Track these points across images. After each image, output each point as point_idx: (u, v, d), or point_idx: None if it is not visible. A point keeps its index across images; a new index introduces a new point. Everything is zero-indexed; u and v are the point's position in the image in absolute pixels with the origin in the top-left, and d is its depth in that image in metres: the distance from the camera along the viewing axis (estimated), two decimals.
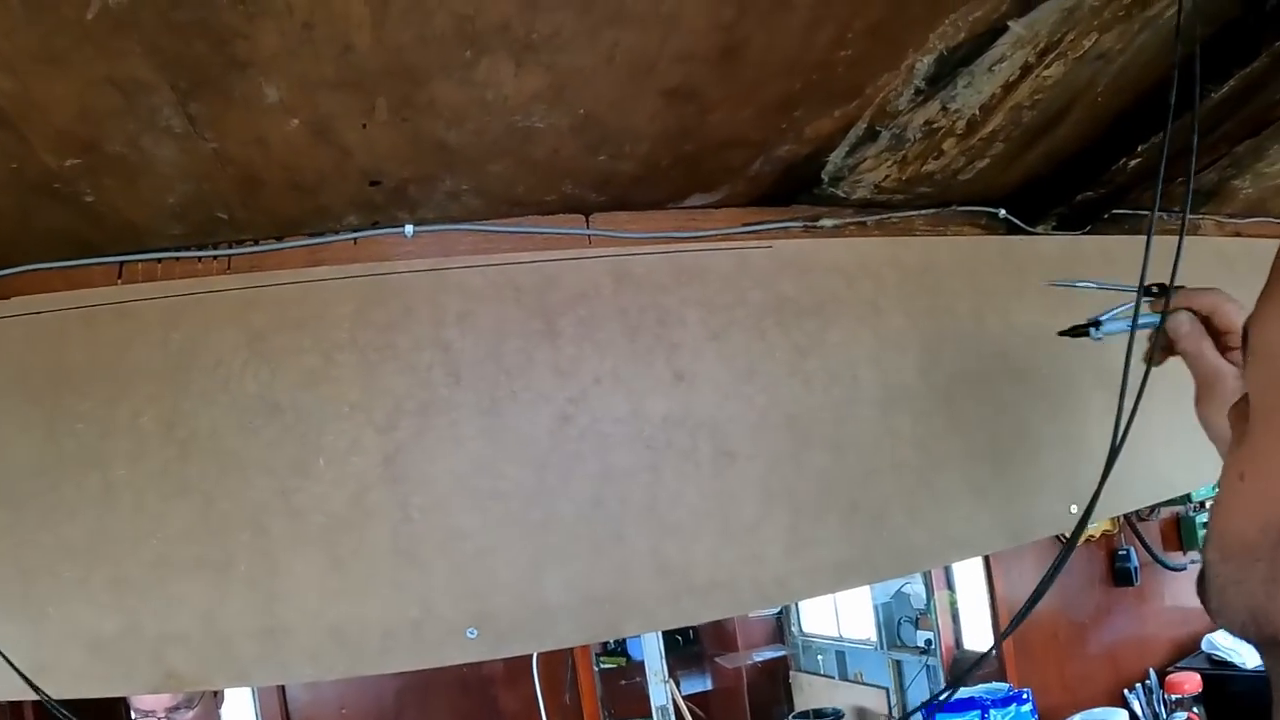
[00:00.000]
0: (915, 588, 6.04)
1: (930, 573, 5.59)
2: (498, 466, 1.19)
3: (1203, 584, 0.58)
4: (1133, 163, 1.48)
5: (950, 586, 5.56)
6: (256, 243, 1.19)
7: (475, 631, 1.15)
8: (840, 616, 7.22)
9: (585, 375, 1.25)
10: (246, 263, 1.19)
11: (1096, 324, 1.24)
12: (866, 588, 6.93)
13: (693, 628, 7.88)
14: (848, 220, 1.44)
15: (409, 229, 1.23)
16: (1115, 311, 1.23)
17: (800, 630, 7.78)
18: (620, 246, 1.31)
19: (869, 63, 1.10)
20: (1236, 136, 1.57)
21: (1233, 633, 0.60)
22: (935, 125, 1.27)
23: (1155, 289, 1.15)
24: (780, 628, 7.98)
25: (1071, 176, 1.56)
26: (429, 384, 1.19)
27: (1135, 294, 1.14)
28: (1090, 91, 1.32)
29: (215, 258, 1.18)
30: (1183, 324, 1.11)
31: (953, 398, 1.46)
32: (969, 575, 5.15)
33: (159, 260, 1.17)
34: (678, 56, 0.98)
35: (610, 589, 1.20)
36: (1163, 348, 1.14)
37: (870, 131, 1.25)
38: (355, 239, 1.22)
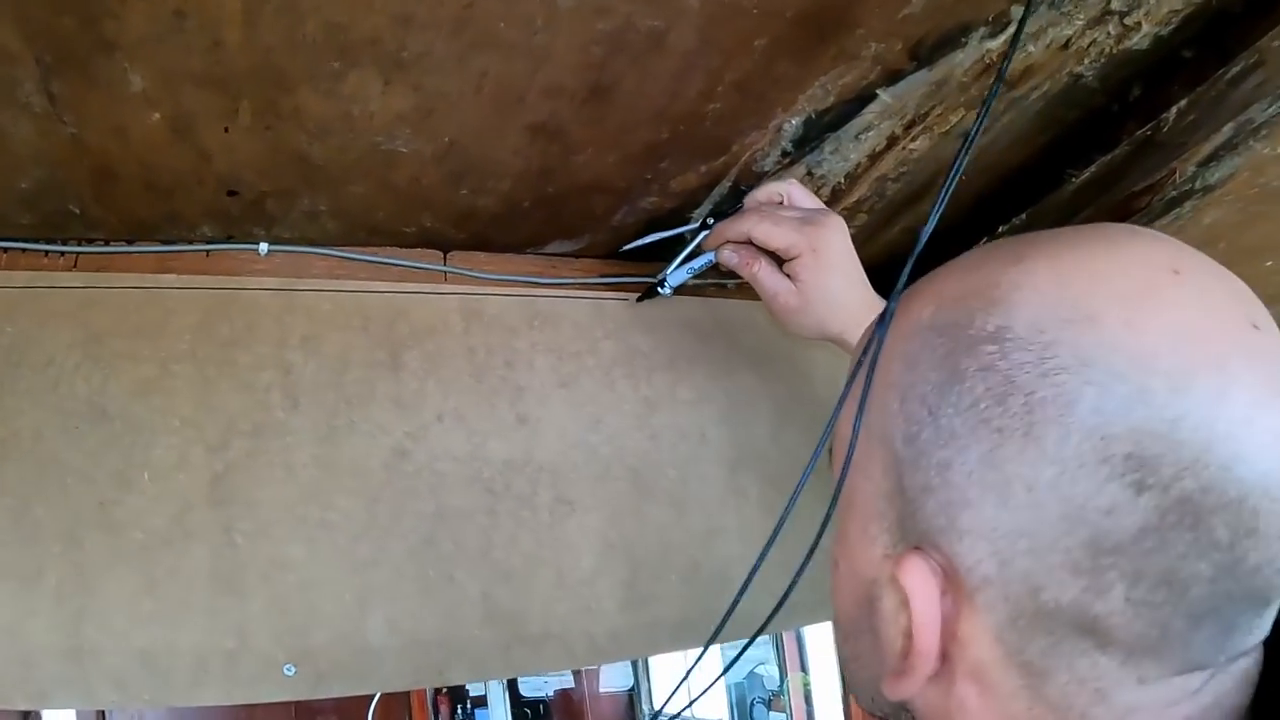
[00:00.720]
0: (769, 668, 6.07)
1: (784, 654, 5.63)
2: (329, 497, 1.18)
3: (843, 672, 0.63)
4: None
5: (804, 668, 5.60)
6: (107, 243, 1.18)
7: (293, 668, 1.12)
8: (693, 695, 7.20)
9: (427, 411, 1.25)
10: (94, 263, 1.17)
11: (663, 282, 1.33)
12: (718, 665, 6.93)
13: (543, 703, 7.80)
14: (708, 281, 1.46)
15: (264, 247, 1.22)
16: (676, 262, 1.31)
17: (652, 707, 7.74)
18: (476, 285, 1.32)
19: (737, 118, 1.14)
20: None
21: (869, 709, 0.68)
22: None
23: (710, 221, 1.26)
24: (631, 705, 7.94)
25: (933, 254, 1.59)
26: (266, 405, 1.18)
27: (695, 236, 1.28)
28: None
29: (63, 254, 1.16)
30: (728, 256, 1.22)
31: (804, 462, 1.47)
32: (822, 657, 5.19)
33: (4, 250, 1.15)
34: (547, 90, 1.01)
35: (438, 633, 1.20)
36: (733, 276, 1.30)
37: (735, 190, 1.29)
38: (208, 251, 1.21)
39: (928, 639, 0.56)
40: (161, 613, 1.09)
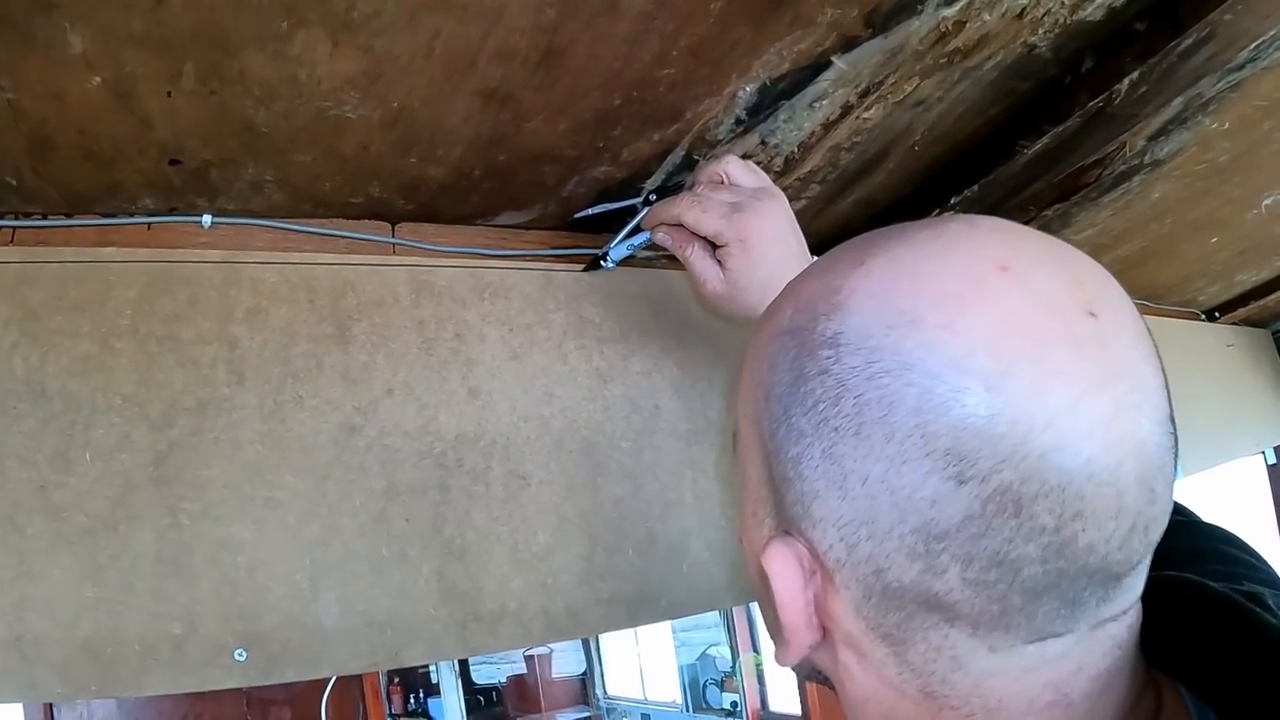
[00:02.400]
0: (720, 650, 6.10)
1: (736, 635, 5.65)
2: (276, 474, 1.15)
3: None
4: (945, 215, 1.52)
5: (756, 649, 5.64)
6: (45, 217, 1.14)
7: (244, 653, 1.10)
8: (645, 678, 7.24)
9: (376, 385, 1.23)
10: (32, 237, 1.13)
11: (605, 255, 1.35)
12: (671, 648, 6.99)
13: (496, 689, 7.82)
14: (660, 254, 1.45)
15: (207, 219, 1.20)
16: (619, 237, 1.33)
17: (605, 692, 7.77)
18: (425, 257, 1.30)
19: (691, 85, 1.13)
20: (1046, 199, 1.63)
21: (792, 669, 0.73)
22: (754, 159, 1.29)
23: (653, 197, 1.27)
24: (585, 689, 7.97)
25: (885, 225, 1.59)
26: (211, 381, 1.15)
27: (640, 211, 1.30)
28: (908, 139, 1.36)
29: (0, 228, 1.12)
30: (662, 237, 1.24)
31: None
32: None
33: None
34: (498, 54, 0.99)
35: (392, 613, 1.18)
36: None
37: (688, 160, 1.28)
38: (150, 224, 1.18)
39: (792, 615, 0.63)
40: (106, 599, 1.05)
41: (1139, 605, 0.60)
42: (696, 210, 1.16)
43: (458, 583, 1.21)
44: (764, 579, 0.65)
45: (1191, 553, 0.83)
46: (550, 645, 7.90)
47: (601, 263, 1.36)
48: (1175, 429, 0.56)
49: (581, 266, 1.42)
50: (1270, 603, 0.62)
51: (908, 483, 0.54)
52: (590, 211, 1.36)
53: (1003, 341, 0.53)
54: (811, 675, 0.71)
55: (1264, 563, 0.83)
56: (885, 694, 0.62)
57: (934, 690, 0.59)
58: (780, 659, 0.67)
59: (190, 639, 1.08)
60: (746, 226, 1.13)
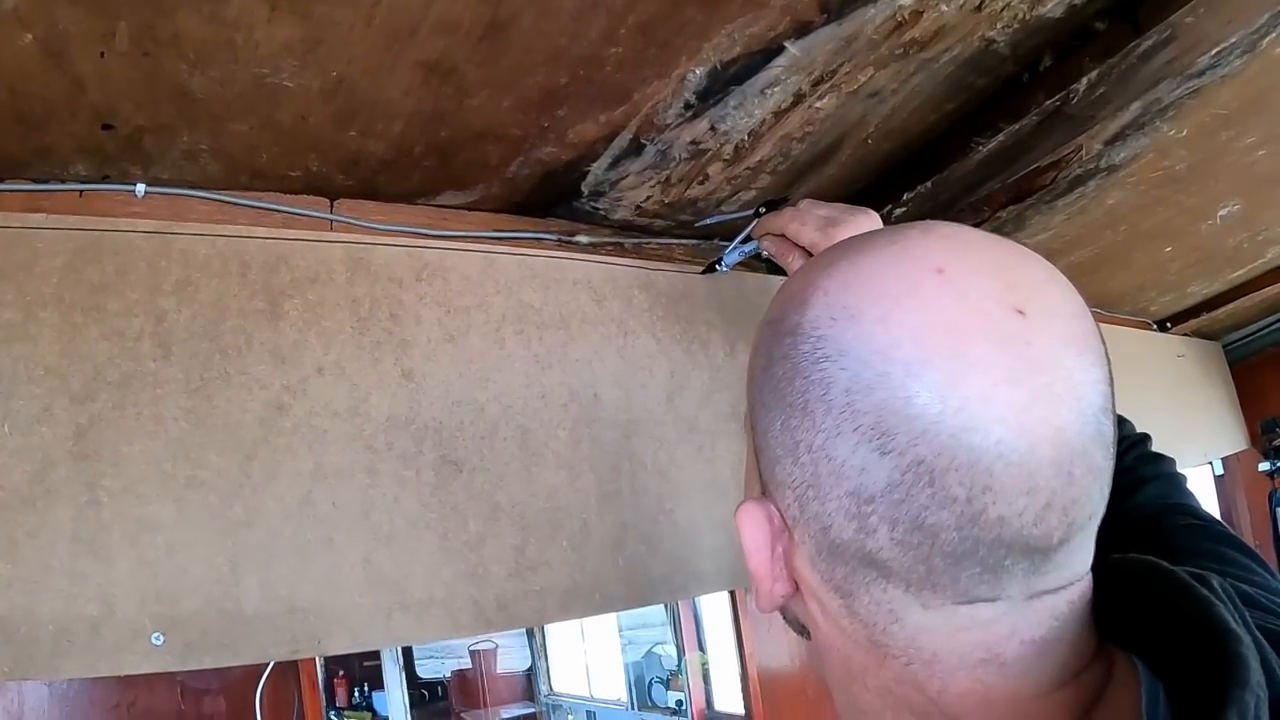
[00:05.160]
0: (666, 648, 6.10)
1: (682, 633, 5.65)
2: (200, 453, 1.13)
3: None
4: (897, 211, 1.52)
5: (701, 647, 5.65)
6: None
7: (161, 637, 1.07)
8: (591, 675, 7.23)
9: (307, 364, 1.21)
10: None
11: (720, 260, 1.51)
12: (617, 646, 6.99)
13: (440, 684, 7.80)
14: (605, 240, 1.44)
15: (140, 188, 1.17)
16: (733, 245, 1.47)
17: (550, 689, 7.76)
18: (363, 235, 1.28)
19: (639, 65, 1.12)
20: (1000, 201, 1.63)
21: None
22: (702, 146, 1.29)
23: (762, 210, 1.42)
24: (530, 685, 7.95)
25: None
26: (136, 354, 1.13)
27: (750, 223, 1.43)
28: (861, 131, 1.36)
29: None
30: (768, 245, 1.36)
31: (699, 427, 1.46)
32: (720, 636, 5.25)
33: None
34: (440, 25, 0.98)
35: (316, 599, 1.16)
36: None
37: (635, 144, 1.27)
38: (81, 191, 1.16)
39: (756, 564, 0.72)
40: (20, 577, 1.03)
41: (1085, 583, 0.67)
42: (796, 223, 1.27)
43: (384, 570, 1.19)
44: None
45: (1197, 552, 0.92)
46: (495, 640, 7.88)
47: (717, 267, 1.54)
48: (1110, 421, 0.63)
49: (528, 250, 1.42)
50: (1215, 584, 0.67)
51: (841, 452, 0.62)
52: (709, 220, 1.53)
53: (927, 335, 0.61)
54: (794, 625, 0.79)
55: (1265, 566, 0.91)
56: (842, 641, 0.71)
57: (878, 639, 0.67)
58: (756, 605, 0.75)
59: (107, 621, 1.05)
60: (838, 238, 1.19)
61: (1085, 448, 0.60)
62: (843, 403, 0.62)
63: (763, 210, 1.40)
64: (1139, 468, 1.12)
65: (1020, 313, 0.61)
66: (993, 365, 0.59)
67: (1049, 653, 0.65)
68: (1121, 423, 1.12)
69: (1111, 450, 0.63)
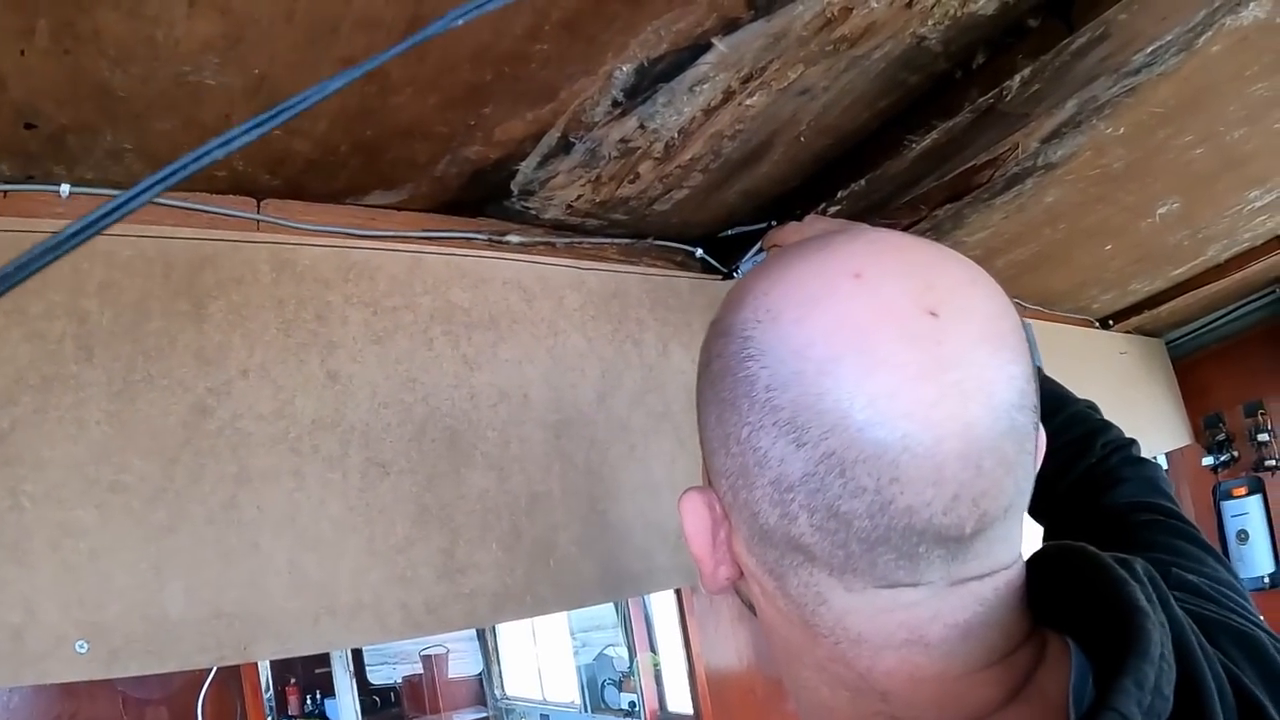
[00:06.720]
0: (618, 649, 6.10)
1: (633, 635, 5.66)
2: (123, 456, 1.12)
3: None
4: (832, 209, 1.53)
5: (653, 648, 5.66)
6: None
7: (85, 645, 1.07)
8: (543, 678, 7.23)
9: (231, 366, 1.21)
10: None
11: (737, 269, 1.70)
12: (569, 649, 7.00)
13: (393, 690, 7.78)
14: (536, 240, 1.45)
15: (65, 188, 1.17)
16: (748, 255, 1.64)
17: (503, 692, 7.75)
18: (289, 235, 1.28)
19: (565, 62, 1.13)
20: (937, 199, 1.64)
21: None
22: (632, 144, 1.30)
23: (773, 222, 1.57)
24: (482, 689, 7.94)
25: (771, 219, 1.60)
26: (58, 357, 1.12)
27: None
28: (793, 129, 1.37)
29: None
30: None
31: (631, 427, 1.46)
32: (672, 636, 5.26)
33: None
34: (362, 21, 0.98)
35: (241, 604, 1.15)
36: None
37: (564, 142, 1.27)
38: (5, 192, 1.15)
39: (696, 547, 0.77)
40: None
41: (1014, 570, 0.70)
42: (798, 236, 1.37)
43: (311, 574, 1.19)
44: None
45: (1153, 544, 0.99)
46: (446, 644, 7.87)
47: (734, 275, 1.70)
48: (1025, 417, 0.66)
49: (457, 250, 1.42)
50: (1137, 567, 0.72)
51: (764, 444, 0.66)
52: (730, 233, 1.68)
53: (838, 335, 0.64)
54: (747, 606, 0.82)
55: (1218, 559, 0.97)
56: (780, 621, 0.75)
57: (809, 620, 0.71)
58: (703, 586, 0.80)
59: (29, 628, 1.04)
60: None
61: (995, 442, 0.63)
62: (764, 399, 0.66)
63: (774, 223, 1.55)
64: (1121, 469, 1.17)
65: (933, 314, 0.64)
66: (902, 363, 0.62)
67: (973, 636, 0.68)
68: (1109, 427, 1.24)
69: (1027, 445, 0.67)
